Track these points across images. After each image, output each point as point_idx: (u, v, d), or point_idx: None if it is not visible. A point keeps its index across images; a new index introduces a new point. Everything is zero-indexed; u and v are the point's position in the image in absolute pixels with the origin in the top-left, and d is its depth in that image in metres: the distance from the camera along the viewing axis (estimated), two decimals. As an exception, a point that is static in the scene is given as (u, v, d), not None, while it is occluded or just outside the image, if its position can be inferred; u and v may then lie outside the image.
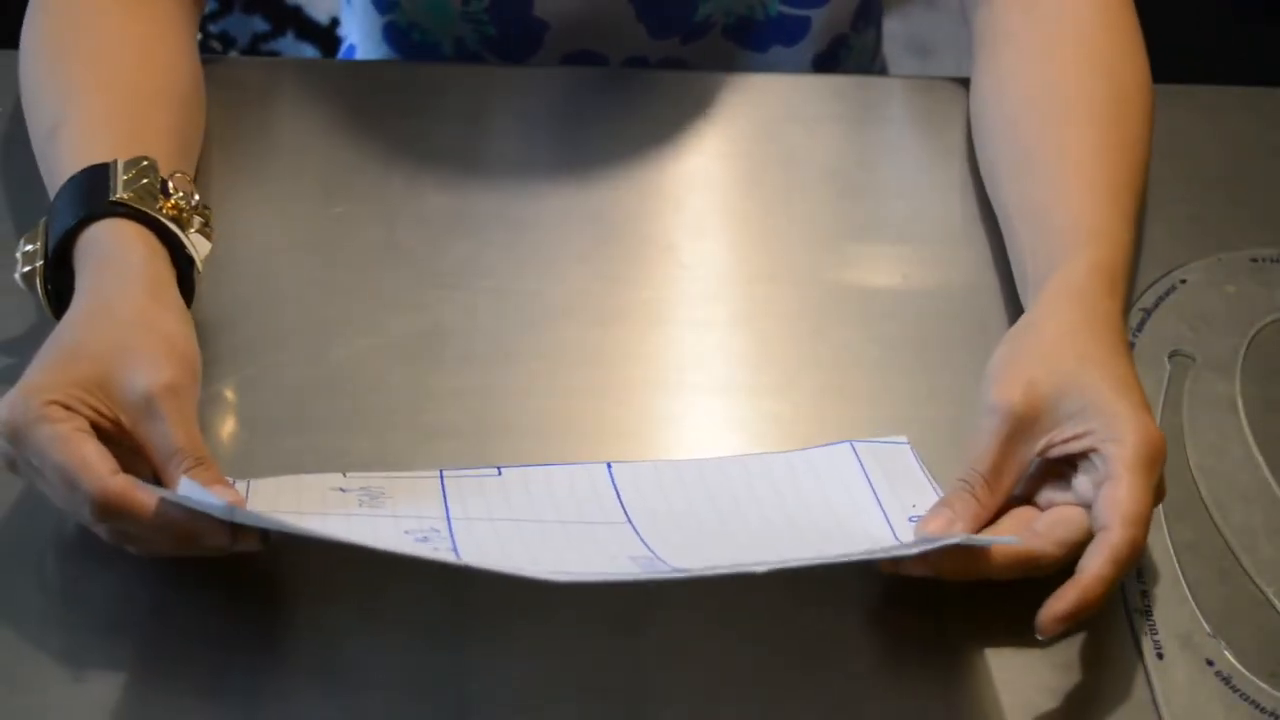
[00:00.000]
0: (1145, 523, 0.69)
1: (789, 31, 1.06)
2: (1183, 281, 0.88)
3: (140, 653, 0.70)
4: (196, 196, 0.80)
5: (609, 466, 0.77)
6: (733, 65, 1.06)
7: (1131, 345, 0.84)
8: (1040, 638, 0.69)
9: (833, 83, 1.03)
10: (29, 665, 0.70)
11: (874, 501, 0.75)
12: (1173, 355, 0.84)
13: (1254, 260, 0.89)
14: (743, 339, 0.86)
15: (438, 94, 0.97)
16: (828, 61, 1.09)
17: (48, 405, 0.69)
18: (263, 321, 0.84)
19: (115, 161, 0.79)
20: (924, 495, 0.75)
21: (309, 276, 0.87)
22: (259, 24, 1.89)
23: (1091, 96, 0.86)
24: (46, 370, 0.71)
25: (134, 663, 0.70)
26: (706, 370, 0.84)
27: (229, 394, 0.80)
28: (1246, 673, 0.72)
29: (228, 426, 0.79)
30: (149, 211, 0.78)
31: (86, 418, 0.70)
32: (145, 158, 0.79)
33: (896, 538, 0.73)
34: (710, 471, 0.78)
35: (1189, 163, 0.94)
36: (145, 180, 0.78)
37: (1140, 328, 0.85)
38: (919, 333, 0.85)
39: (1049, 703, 0.71)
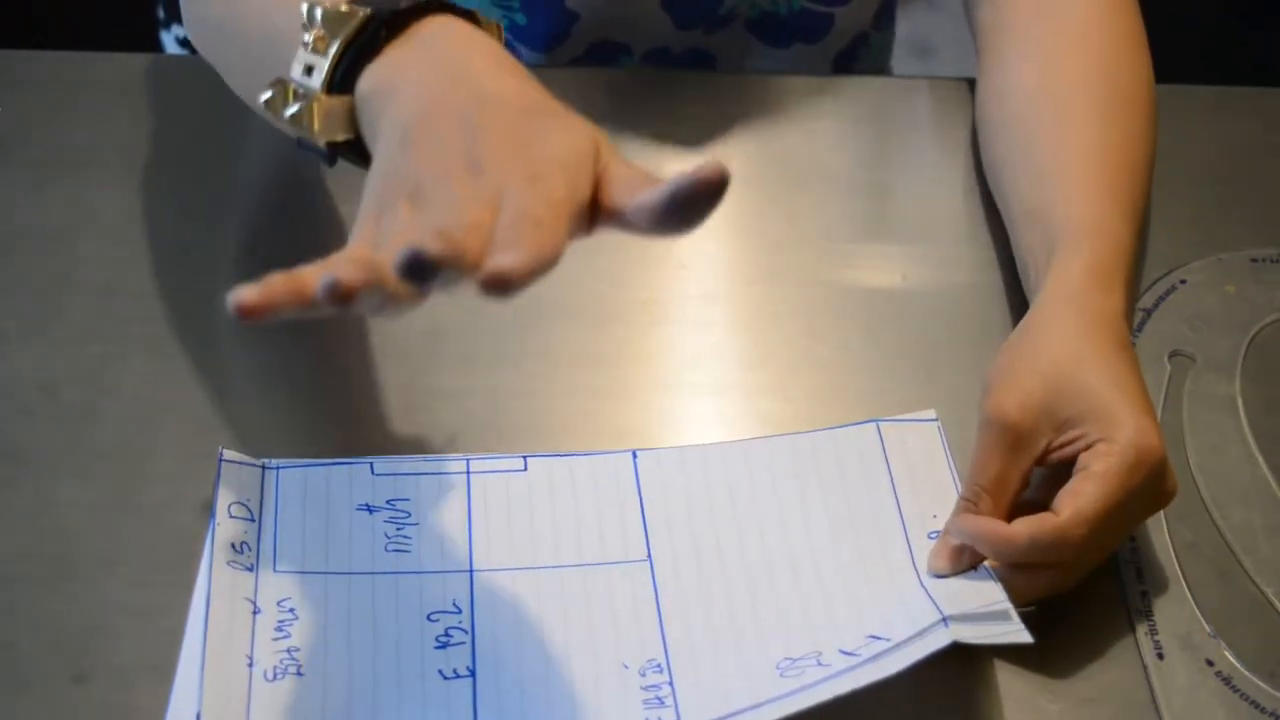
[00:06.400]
0: (1092, 527, 0.69)
1: (811, 28, 1.06)
2: (1183, 281, 0.88)
3: (140, 652, 0.70)
4: None
5: (634, 455, 0.78)
6: (754, 59, 1.06)
7: (1133, 347, 0.84)
8: (928, 569, 0.72)
9: (833, 83, 1.03)
10: (29, 665, 0.70)
11: (894, 508, 0.76)
12: (1173, 355, 0.84)
13: (1254, 260, 0.89)
14: (742, 339, 0.86)
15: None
16: (847, 59, 1.09)
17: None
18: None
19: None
20: (945, 493, 0.75)
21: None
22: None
23: (1092, 96, 0.86)
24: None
25: (134, 662, 0.70)
26: (706, 370, 0.84)
27: (229, 394, 0.80)
28: (1246, 673, 0.72)
29: (227, 426, 0.79)
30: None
31: None
32: None
33: (913, 556, 0.74)
34: (735, 457, 0.78)
35: (1189, 163, 0.94)
36: (488, 22, 0.72)
37: (1140, 328, 0.85)
38: (919, 333, 0.85)
39: (1049, 702, 0.71)
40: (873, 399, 0.82)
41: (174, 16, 1.18)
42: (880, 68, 1.14)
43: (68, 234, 0.87)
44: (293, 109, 0.68)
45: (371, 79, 0.67)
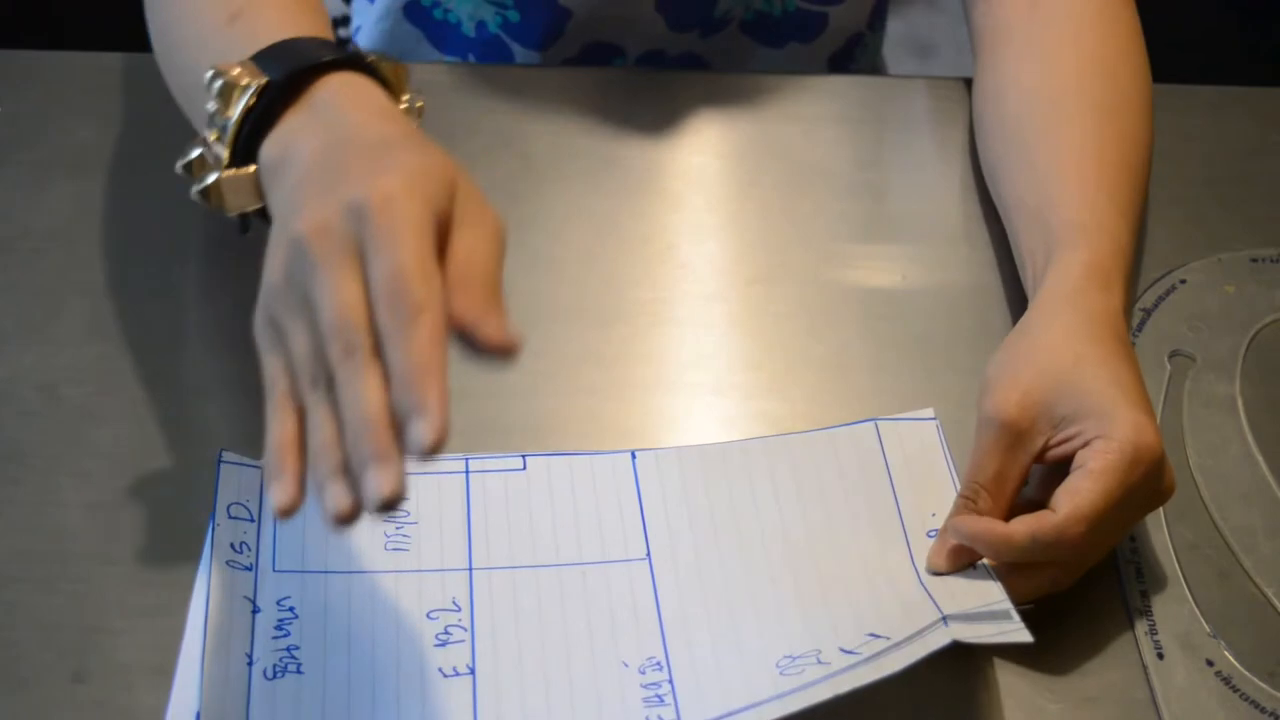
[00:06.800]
0: (1091, 525, 0.69)
1: (806, 27, 1.06)
2: (1183, 281, 0.88)
3: (140, 652, 0.70)
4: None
5: (633, 455, 0.78)
6: (750, 61, 1.06)
7: (1131, 345, 0.84)
8: (927, 567, 0.73)
9: (832, 83, 1.03)
10: (29, 665, 0.70)
11: (893, 506, 0.76)
12: (1173, 355, 0.84)
13: (1254, 260, 0.89)
14: (742, 339, 0.86)
15: (437, 94, 0.97)
16: (842, 59, 1.09)
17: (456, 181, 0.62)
18: (263, 321, 0.84)
19: (373, 56, 0.72)
20: (943, 492, 0.75)
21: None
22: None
23: (1089, 95, 0.86)
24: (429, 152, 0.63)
25: (134, 662, 0.70)
26: (706, 370, 0.84)
27: (230, 393, 0.80)
28: (1246, 673, 0.72)
29: (228, 425, 0.79)
30: (399, 91, 0.72)
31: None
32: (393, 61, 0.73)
33: (911, 555, 0.74)
34: (733, 456, 0.78)
35: (1189, 163, 0.94)
36: (391, 65, 0.72)
37: (1140, 328, 0.85)
38: (919, 333, 0.85)
39: (1049, 702, 0.71)
40: (872, 399, 0.82)
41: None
42: (871, 69, 1.14)
43: (68, 234, 0.87)
44: (198, 187, 0.70)
45: (270, 150, 0.68)
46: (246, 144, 0.69)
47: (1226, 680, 0.72)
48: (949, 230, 0.91)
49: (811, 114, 0.98)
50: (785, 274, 0.88)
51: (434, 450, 0.57)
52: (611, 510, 0.76)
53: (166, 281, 0.85)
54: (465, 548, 0.74)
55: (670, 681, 0.69)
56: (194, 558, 0.73)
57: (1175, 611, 0.74)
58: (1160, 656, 0.72)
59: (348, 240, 0.60)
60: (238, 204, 0.70)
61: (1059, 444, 0.72)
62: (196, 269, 0.86)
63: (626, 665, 0.70)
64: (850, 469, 0.77)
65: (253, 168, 0.69)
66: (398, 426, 0.58)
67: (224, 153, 0.69)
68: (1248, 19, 1.99)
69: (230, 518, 0.73)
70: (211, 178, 0.70)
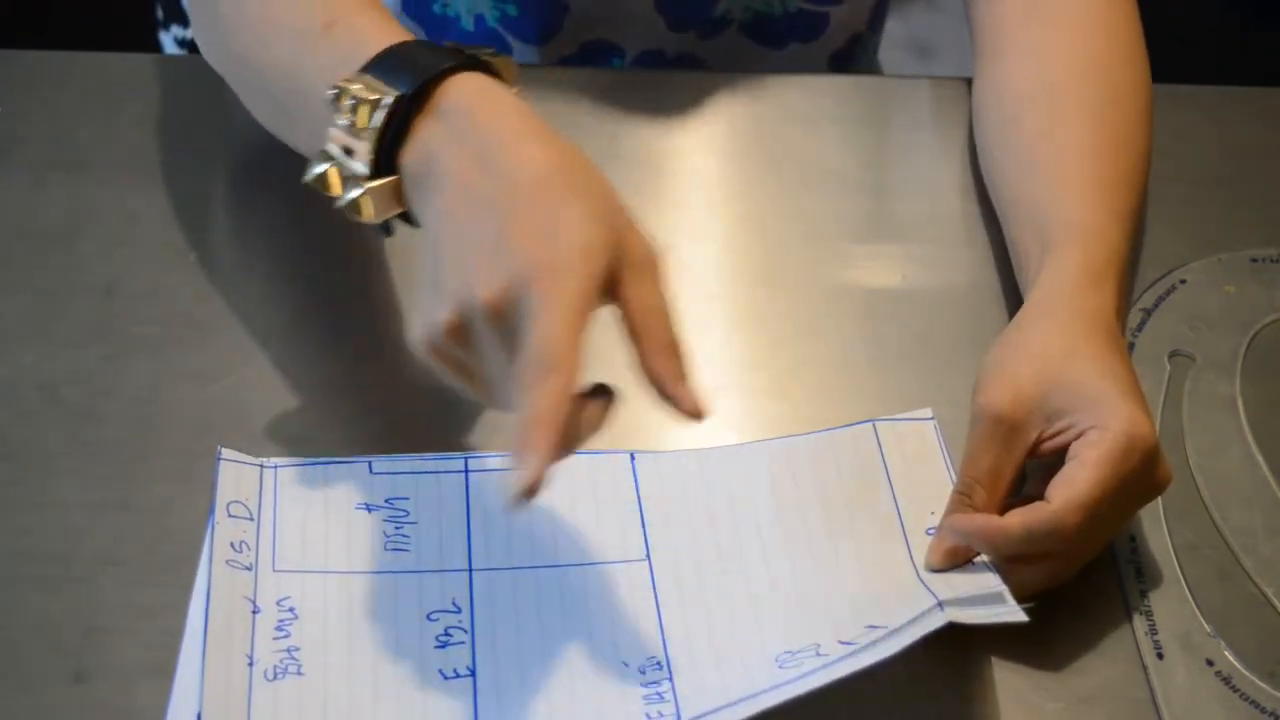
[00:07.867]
0: (1087, 513, 0.69)
1: (807, 27, 1.06)
2: (1183, 281, 0.88)
3: (140, 652, 0.70)
4: None
5: (632, 456, 0.78)
6: (750, 62, 1.06)
7: (1131, 345, 0.84)
8: (925, 565, 0.72)
9: (832, 82, 1.03)
10: (29, 665, 0.70)
11: (892, 506, 0.76)
12: (1173, 355, 0.84)
13: (1254, 260, 0.89)
14: (743, 339, 0.86)
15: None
16: (843, 60, 1.09)
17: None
18: (262, 321, 0.84)
19: (486, 53, 0.73)
20: (942, 491, 0.75)
21: (308, 276, 0.87)
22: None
23: (1087, 95, 0.86)
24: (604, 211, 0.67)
25: (134, 662, 0.70)
26: (706, 370, 0.83)
27: (229, 394, 0.80)
28: (1246, 673, 0.72)
29: (227, 427, 0.79)
30: (510, 84, 0.73)
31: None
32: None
33: (911, 554, 0.74)
34: (732, 459, 0.78)
35: (1189, 163, 0.94)
36: (502, 61, 0.74)
37: (1140, 328, 0.85)
38: (919, 333, 0.85)
39: (1049, 702, 0.71)
40: (872, 399, 0.82)
41: (173, 17, 1.18)
42: (870, 70, 1.14)
43: (68, 234, 0.87)
44: (346, 199, 0.70)
45: (411, 160, 0.70)
46: (387, 156, 0.70)
47: (1226, 680, 0.72)
48: (949, 230, 0.91)
49: (811, 114, 0.98)
50: (785, 274, 0.88)
51: (529, 495, 0.64)
52: (610, 511, 0.76)
53: (166, 281, 0.85)
54: (465, 548, 0.74)
55: (670, 680, 0.69)
56: (194, 557, 0.73)
57: (1175, 611, 0.74)
58: (1160, 656, 0.72)
59: (517, 317, 0.65)
60: (383, 213, 0.71)
61: (1052, 437, 0.72)
62: (196, 269, 0.86)
63: (627, 665, 0.70)
64: (848, 470, 0.77)
65: (394, 178, 0.70)
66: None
67: (366, 167, 0.70)
68: (1250, 19, 1.99)
69: (230, 516, 0.73)
70: (358, 192, 0.70)
